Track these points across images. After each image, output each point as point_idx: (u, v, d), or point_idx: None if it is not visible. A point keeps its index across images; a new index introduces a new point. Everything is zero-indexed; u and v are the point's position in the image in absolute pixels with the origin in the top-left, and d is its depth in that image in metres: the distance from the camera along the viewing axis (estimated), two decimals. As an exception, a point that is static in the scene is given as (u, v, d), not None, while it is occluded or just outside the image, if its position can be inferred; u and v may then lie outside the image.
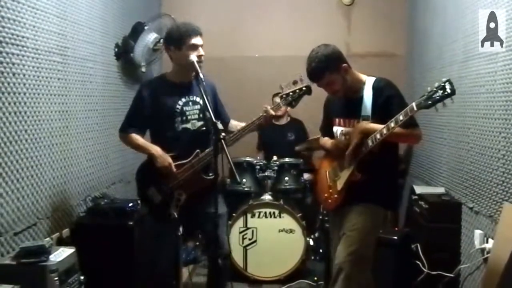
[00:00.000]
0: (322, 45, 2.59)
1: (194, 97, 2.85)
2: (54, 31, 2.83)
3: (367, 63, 4.86)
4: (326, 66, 2.52)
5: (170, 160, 2.71)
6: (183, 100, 2.80)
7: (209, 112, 2.53)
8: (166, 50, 2.85)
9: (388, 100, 2.47)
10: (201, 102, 2.83)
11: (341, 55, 2.59)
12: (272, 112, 2.80)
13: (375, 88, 2.54)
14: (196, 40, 2.73)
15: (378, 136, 2.37)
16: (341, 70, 2.55)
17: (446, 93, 2.10)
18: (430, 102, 2.14)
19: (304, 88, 2.80)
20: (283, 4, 5.24)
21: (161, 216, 2.78)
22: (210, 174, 2.70)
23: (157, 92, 2.81)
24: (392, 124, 2.30)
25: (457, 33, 3.40)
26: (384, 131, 2.33)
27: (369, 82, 2.58)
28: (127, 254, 2.98)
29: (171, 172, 2.71)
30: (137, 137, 2.81)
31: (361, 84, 2.59)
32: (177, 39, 2.74)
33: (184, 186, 2.74)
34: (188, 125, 2.79)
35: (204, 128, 2.82)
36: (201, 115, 2.85)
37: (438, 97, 2.12)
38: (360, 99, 2.54)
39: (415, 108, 2.20)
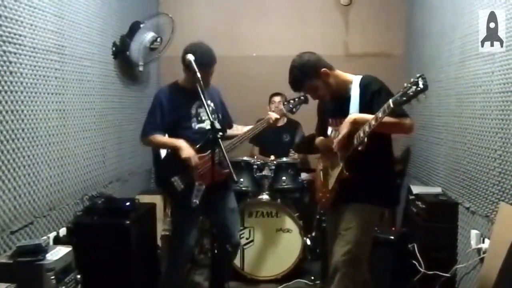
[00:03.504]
0: (299, 54, 2.65)
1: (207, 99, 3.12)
2: (51, 30, 2.82)
3: (365, 63, 4.88)
4: (304, 74, 2.58)
5: (193, 152, 2.98)
6: (197, 103, 3.06)
7: (207, 111, 2.79)
8: (182, 60, 2.99)
9: (374, 96, 2.48)
10: (212, 104, 3.16)
11: (319, 61, 2.62)
12: (277, 116, 3.23)
13: (362, 85, 2.56)
14: (209, 71, 3.04)
15: (361, 134, 2.38)
16: (321, 75, 2.58)
17: (419, 88, 2.11)
18: (405, 98, 2.15)
19: (302, 97, 3.20)
20: (281, 4, 5.24)
21: (184, 203, 2.97)
22: (225, 170, 2.89)
23: (173, 97, 3.10)
24: (373, 122, 2.31)
25: (455, 33, 3.41)
26: (366, 128, 2.34)
27: (356, 81, 2.60)
28: (124, 253, 2.98)
29: (195, 162, 2.96)
30: (160, 136, 3.07)
31: (348, 84, 2.61)
32: (191, 65, 2.93)
33: (204, 176, 2.97)
34: (203, 125, 3.06)
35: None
36: (213, 116, 3.10)
37: (411, 93, 2.13)
38: (348, 98, 2.56)
39: (391, 105, 2.21)
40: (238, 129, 3.35)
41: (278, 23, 5.21)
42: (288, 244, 3.90)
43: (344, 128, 2.45)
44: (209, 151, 2.93)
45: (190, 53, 2.96)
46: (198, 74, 2.83)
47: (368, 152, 2.47)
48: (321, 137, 2.86)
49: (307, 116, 3.30)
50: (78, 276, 2.47)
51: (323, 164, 2.84)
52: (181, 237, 3.15)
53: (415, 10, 4.72)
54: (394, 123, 2.40)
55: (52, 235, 2.78)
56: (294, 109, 3.26)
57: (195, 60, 2.90)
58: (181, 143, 2.99)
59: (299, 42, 4.89)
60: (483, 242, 2.79)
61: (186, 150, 2.97)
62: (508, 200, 2.51)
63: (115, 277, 2.93)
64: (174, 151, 3.03)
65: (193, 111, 3.09)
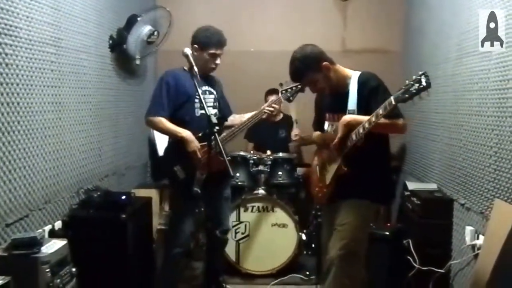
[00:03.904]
0: (301, 46, 2.64)
1: (209, 88, 3.23)
2: (48, 22, 2.81)
3: (363, 59, 4.87)
4: (305, 66, 2.57)
5: (199, 145, 3.00)
6: (202, 89, 3.07)
7: (204, 106, 2.82)
8: (191, 44, 3.13)
9: (372, 93, 2.49)
10: (215, 92, 3.25)
11: (321, 54, 2.61)
12: (276, 107, 3.26)
13: (360, 82, 2.56)
14: (218, 51, 3.12)
15: (361, 130, 2.39)
16: (322, 69, 2.58)
17: (422, 86, 2.12)
18: (407, 95, 2.16)
19: (299, 86, 3.16)
20: (280, -1, 5.23)
21: (185, 192, 2.95)
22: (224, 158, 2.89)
23: (180, 80, 3.13)
24: (373, 118, 2.32)
25: (452, 30, 3.41)
26: (366, 125, 2.35)
27: (354, 77, 2.60)
28: (120, 246, 2.99)
29: (198, 155, 2.99)
30: (166, 121, 3.08)
31: (347, 79, 2.61)
32: (203, 42, 3.09)
33: (204, 165, 2.95)
34: (205, 111, 2.96)
35: (218, 115, 3.16)
36: (215, 104, 3.25)
37: (414, 90, 2.13)
38: (346, 93, 2.57)
39: (393, 102, 2.22)
40: (236, 119, 3.37)
41: (276, 19, 5.19)
42: (283, 239, 3.91)
43: (340, 131, 2.48)
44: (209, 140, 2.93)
45: (203, 30, 3.11)
46: (195, 68, 2.87)
47: (365, 148, 2.48)
48: (318, 132, 2.87)
49: (303, 112, 3.30)
50: (74, 269, 2.47)
51: (320, 159, 2.84)
52: (178, 228, 3.16)
53: (413, 7, 4.72)
54: (388, 124, 2.41)
55: (47, 228, 2.78)
56: (291, 98, 3.27)
57: (207, 38, 3.06)
58: (188, 135, 3.01)
59: (297, 37, 4.84)
60: (478, 239, 2.81)
61: (193, 143, 3.00)
62: (503, 197, 2.52)
63: (110, 271, 2.93)
64: (177, 140, 3.05)
65: (198, 97, 3.08)
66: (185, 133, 3.02)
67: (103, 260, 2.91)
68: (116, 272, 2.96)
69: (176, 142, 3.10)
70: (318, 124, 2.89)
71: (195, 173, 2.98)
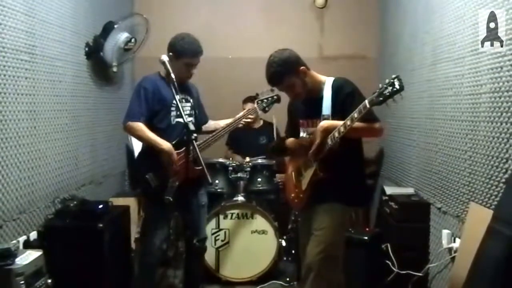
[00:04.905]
0: (279, 50, 2.65)
1: (186, 96, 3.15)
2: (21, 29, 2.77)
3: (339, 65, 4.93)
4: (284, 70, 2.57)
5: (176, 158, 2.94)
6: (179, 97, 2.98)
7: (181, 113, 2.82)
8: (168, 52, 3.05)
9: (347, 98, 2.52)
10: (191, 100, 3.19)
11: (298, 59, 2.63)
12: (252, 117, 3.26)
13: (334, 87, 2.59)
14: (193, 60, 3.06)
15: (336, 134, 2.41)
16: (300, 73, 2.60)
17: (395, 89, 2.15)
18: (381, 98, 2.18)
19: (275, 97, 3.22)
20: (257, 6, 5.25)
21: (157, 199, 2.90)
22: (199, 167, 2.85)
23: (157, 87, 3.07)
24: (348, 122, 2.34)
25: (427, 36, 3.47)
26: (342, 129, 2.37)
27: (328, 82, 2.63)
28: (97, 256, 2.94)
29: (174, 167, 2.94)
30: (146, 128, 2.99)
31: (321, 85, 2.64)
32: (178, 51, 3.02)
33: (181, 173, 2.91)
34: (181, 120, 2.93)
35: (193, 123, 3.04)
36: (191, 112, 3.18)
37: (388, 93, 2.16)
38: (321, 99, 2.59)
39: (367, 105, 2.25)
40: (211, 126, 3.35)
41: (254, 25, 5.22)
42: (263, 246, 3.90)
43: (317, 137, 2.49)
44: (183, 148, 2.90)
45: (179, 39, 3.05)
46: (173, 75, 2.85)
47: (340, 152, 2.50)
48: (292, 139, 2.88)
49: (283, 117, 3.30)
50: (49, 281, 2.43)
51: (295, 165, 2.85)
52: (151, 235, 3.11)
53: (388, 13, 4.79)
54: (364, 128, 2.44)
55: (22, 239, 2.72)
56: (267, 108, 3.27)
57: (183, 47, 3.00)
58: (169, 148, 2.94)
59: (274, 44, 4.85)
60: (454, 242, 2.85)
61: (173, 156, 2.93)
62: (477, 200, 2.57)
63: (87, 281, 2.89)
64: (153, 149, 2.99)
65: (174, 104, 3.04)
66: (166, 145, 2.95)
67: (80, 270, 2.87)
68: (93, 283, 2.91)
69: (149, 149, 3.05)
70: (291, 131, 2.90)
71: (167, 181, 2.94)
